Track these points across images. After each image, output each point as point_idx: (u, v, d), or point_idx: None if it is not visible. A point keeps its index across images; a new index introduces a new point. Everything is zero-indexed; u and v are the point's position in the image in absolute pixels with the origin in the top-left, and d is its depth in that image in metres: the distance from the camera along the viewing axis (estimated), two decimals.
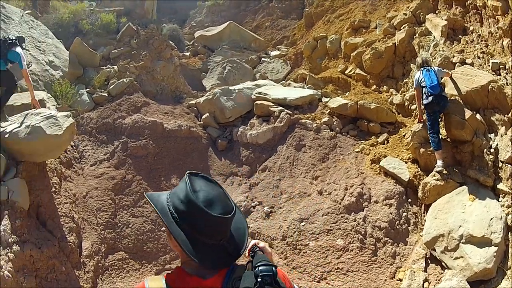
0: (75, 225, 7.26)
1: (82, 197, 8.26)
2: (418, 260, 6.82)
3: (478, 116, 7.40)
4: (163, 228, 8.14)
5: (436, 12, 10.25)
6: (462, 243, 6.32)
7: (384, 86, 11.44)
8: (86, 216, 7.91)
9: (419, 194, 7.80)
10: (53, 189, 7.35)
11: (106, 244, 7.77)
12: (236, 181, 9.64)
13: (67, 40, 12.83)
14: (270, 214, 8.64)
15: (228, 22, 17.47)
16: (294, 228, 8.06)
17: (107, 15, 14.16)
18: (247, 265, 1.72)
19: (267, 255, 1.83)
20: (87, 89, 11.08)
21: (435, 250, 6.70)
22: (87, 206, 8.15)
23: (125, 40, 13.26)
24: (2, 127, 6.92)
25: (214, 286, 1.63)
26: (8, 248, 5.87)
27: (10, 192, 6.35)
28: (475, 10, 8.51)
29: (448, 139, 7.90)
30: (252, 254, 1.84)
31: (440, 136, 7.68)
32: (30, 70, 9.16)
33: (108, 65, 12.29)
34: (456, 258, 6.27)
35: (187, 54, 16.44)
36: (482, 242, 6.11)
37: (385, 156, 8.69)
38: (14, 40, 7.19)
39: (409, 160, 8.49)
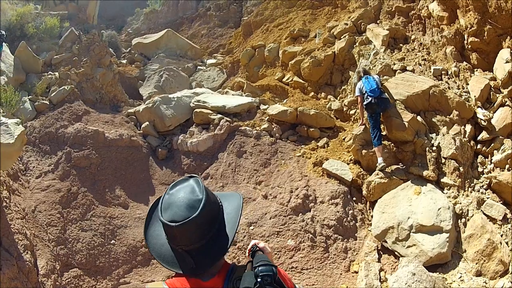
0: (28, 242, 6.78)
1: (31, 211, 7.84)
2: (370, 252, 7.18)
3: (419, 118, 8.00)
4: (113, 241, 8.01)
5: (378, 22, 10.93)
6: (413, 232, 6.80)
7: (322, 93, 11.88)
8: (37, 232, 7.47)
9: (364, 192, 8.21)
10: (4, 204, 6.82)
11: (60, 261, 7.40)
12: None
13: (12, 44, 12.16)
14: None
15: (166, 30, 17.38)
16: (244, 232, 8.07)
17: (52, 19, 13.63)
18: (247, 265, 1.74)
19: (267, 255, 1.86)
20: (29, 97, 10.57)
21: (386, 242, 7.11)
22: (37, 221, 7.73)
23: (67, 46, 12.83)
24: None
25: (214, 287, 1.67)
26: None
27: None
28: (418, 20, 9.22)
29: (390, 143, 8.38)
30: (252, 254, 1.87)
31: (381, 133, 8.21)
32: None
33: (50, 72, 11.80)
34: (409, 246, 6.73)
35: (124, 61, 16.15)
36: (432, 230, 6.65)
37: (326, 159, 9.00)
38: None
39: (351, 162, 8.90)
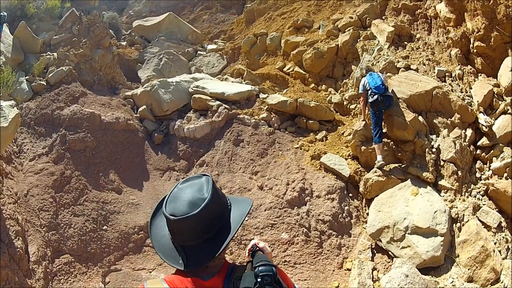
0: (20, 228, 6.67)
1: (24, 195, 7.70)
2: (364, 250, 7.20)
3: (420, 118, 7.97)
4: (105, 227, 7.94)
5: (383, 18, 10.82)
6: (408, 233, 6.82)
7: (323, 85, 11.77)
8: (29, 217, 7.35)
9: (361, 189, 8.20)
10: None
11: (51, 247, 7.30)
12: (173, 176, 9.41)
13: (13, 24, 11.98)
14: None
15: (167, 13, 17.11)
16: None
17: None
18: (247, 265, 1.74)
19: (267, 255, 1.86)
20: (27, 77, 10.43)
21: (380, 241, 7.14)
22: (29, 206, 7.60)
23: (67, 26, 12.61)
24: None
25: (214, 287, 1.67)
26: None
27: None
28: (424, 19, 9.13)
29: (390, 141, 8.35)
30: (252, 254, 1.87)
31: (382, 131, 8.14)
32: None
33: (48, 52, 11.62)
34: (403, 247, 6.76)
35: (124, 43, 15.97)
36: (427, 233, 6.68)
37: (325, 153, 8.94)
38: None
39: (349, 157, 8.85)
